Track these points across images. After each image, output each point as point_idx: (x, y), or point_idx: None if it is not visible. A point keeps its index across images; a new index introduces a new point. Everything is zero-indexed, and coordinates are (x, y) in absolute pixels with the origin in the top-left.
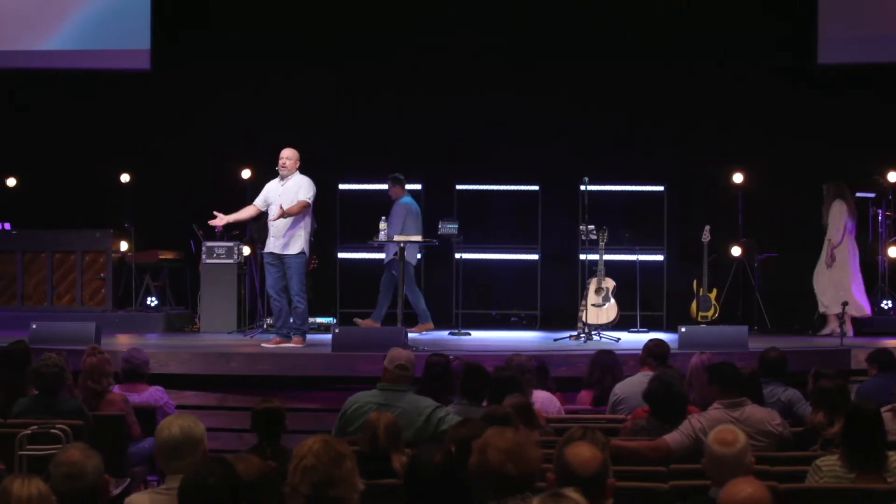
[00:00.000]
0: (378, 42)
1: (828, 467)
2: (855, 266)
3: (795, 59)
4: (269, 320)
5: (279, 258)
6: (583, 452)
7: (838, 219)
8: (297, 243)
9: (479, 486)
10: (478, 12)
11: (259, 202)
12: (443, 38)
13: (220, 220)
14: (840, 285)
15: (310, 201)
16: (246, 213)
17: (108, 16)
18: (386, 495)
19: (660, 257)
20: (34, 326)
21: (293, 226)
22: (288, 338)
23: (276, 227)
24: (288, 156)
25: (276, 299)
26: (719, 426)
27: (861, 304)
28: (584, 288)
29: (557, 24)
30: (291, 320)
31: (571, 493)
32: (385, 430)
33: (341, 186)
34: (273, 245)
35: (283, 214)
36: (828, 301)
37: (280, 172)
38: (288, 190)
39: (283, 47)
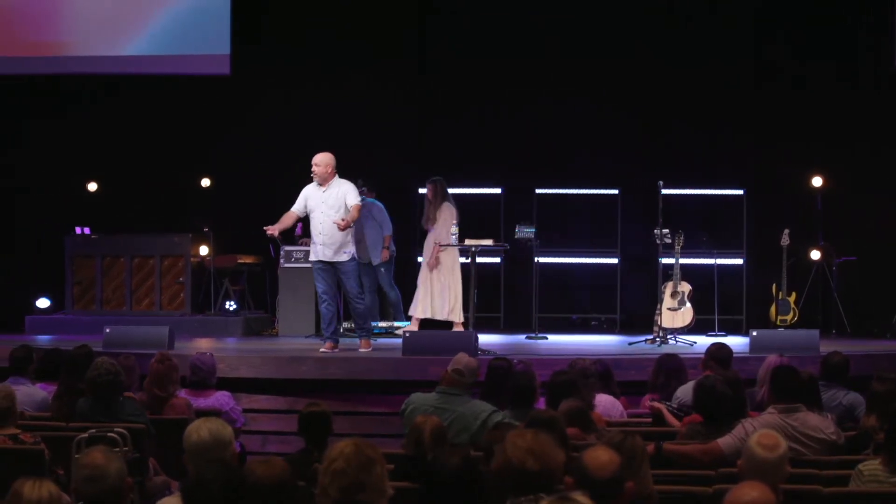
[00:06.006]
0: (458, 47)
1: (869, 472)
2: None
3: (874, 63)
4: (346, 324)
5: (331, 265)
6: (600, 456)
7: (450, 221)
8: (348, 249)
9: (499, 487)
10: (559, 19)
11: (298, 208)
12: (522, 44)
13: (274, 229)
14: (451, 289)
15: (359, 204)
16: (289, 219)
17: (189, 21)
18: None
19: (739, 261)
20: (107, 330)
21: (343, 233)
22: (337, 342)
23: (327, 235)
24: (318, 162)
25: (330, 304)
26: (762, 430)
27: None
28: (660, 292)
29: (636, 32)
30: (341, 324)
31: (579, 496)
32: (430, 434)
33: (421, 191)
34: (322, 253)
35: (348, 225)
36: (438, 306)
37: (314, 179)
38: (331, 196)
39: (362, 50)
